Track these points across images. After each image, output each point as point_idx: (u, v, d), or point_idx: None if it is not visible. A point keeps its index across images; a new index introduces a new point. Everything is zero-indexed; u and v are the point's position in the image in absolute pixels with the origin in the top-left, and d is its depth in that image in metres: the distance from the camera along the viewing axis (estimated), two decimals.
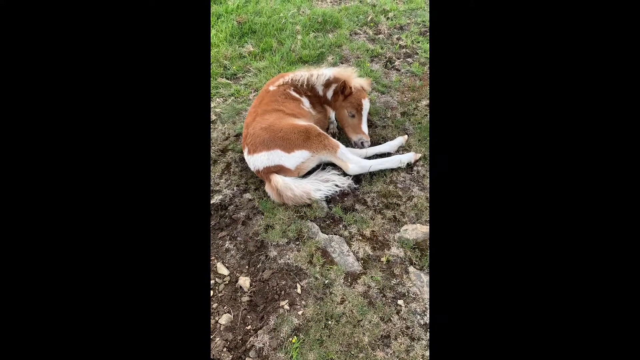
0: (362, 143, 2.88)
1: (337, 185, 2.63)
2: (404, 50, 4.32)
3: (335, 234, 2.46)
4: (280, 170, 2.58)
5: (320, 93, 3.05)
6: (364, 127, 2.87)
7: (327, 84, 2.99)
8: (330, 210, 2.61)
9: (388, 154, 3.00)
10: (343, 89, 2.83)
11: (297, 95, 2.97)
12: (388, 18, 4.83)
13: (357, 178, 2.79)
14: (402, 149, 3.10)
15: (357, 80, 2.86)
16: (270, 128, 2.59)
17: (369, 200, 2.69)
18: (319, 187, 2.57)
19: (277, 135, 2.56)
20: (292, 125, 2.61)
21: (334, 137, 3.18)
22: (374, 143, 3.18)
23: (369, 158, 2.95)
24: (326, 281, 2.20)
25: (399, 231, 2.48)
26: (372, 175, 2.82)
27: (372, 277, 2.22)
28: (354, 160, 2.69)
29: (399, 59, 4.20)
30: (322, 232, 2.46)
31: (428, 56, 4.19)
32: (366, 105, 2.84)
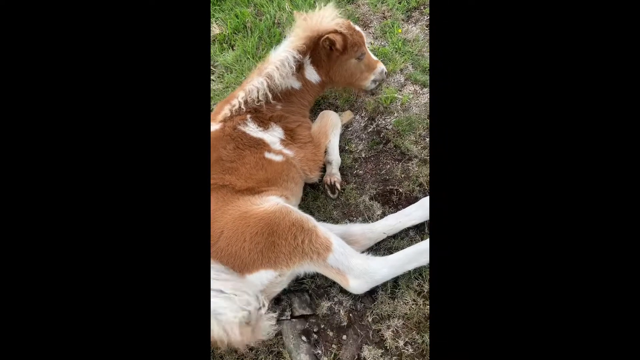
0: (385, 74, 2.08)
1: None
2: None
3: None
4: None
5: (297, 85, 1.89)
6: (373, 56, 2.07)
7: (299, 65, 1.84)
8: None
9: (422, 227, 1.69)
10: (333, 45, 1.80)
11: (258, 133, 1.72)
12: None
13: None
14: None
15: (328, 18, 1.83)
16: None
17: (389, 335, 1.48)
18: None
19: (214, 248, 1.41)
20: (243, 219, 1.43)
21: (333, 189, 1.89)
22: (404, 201, 1.84)
23: (391, 239, 1.68)
24: None
25: None
26: (397, 279, 1.57)
27: None
28: (357, 270, 1.44)
29: None
30: None
31: None
32: (360, 30, 1.94)
